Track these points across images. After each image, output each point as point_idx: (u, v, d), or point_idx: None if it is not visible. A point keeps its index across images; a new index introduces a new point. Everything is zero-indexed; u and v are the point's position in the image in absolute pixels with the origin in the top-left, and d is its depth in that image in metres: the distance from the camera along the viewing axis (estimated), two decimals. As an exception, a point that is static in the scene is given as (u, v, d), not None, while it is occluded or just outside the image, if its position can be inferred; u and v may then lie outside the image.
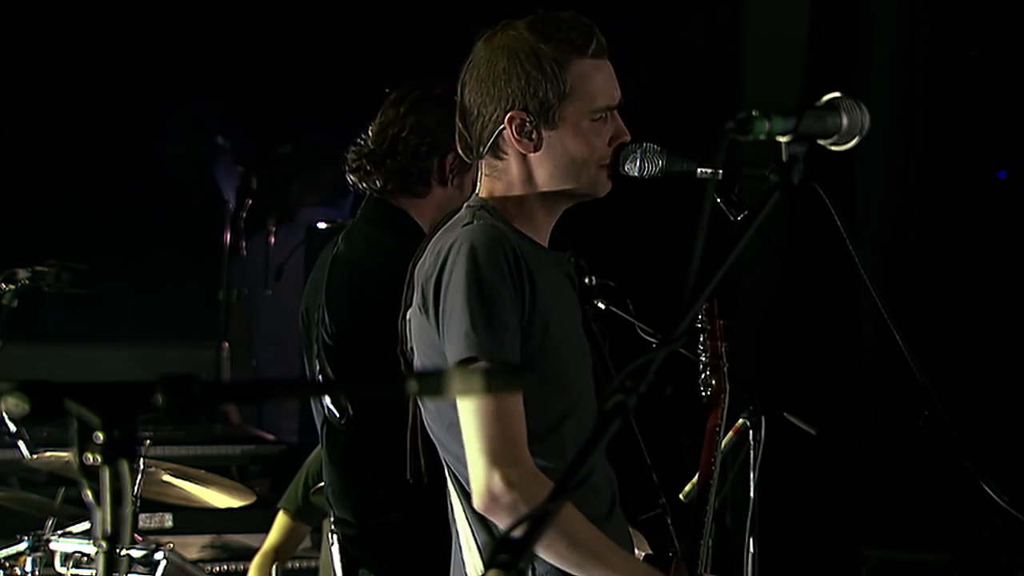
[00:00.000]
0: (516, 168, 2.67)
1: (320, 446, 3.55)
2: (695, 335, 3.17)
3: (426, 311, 2.59)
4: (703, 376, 3.17)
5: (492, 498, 2.47)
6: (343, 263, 3.42)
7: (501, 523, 2.54)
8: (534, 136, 2.65)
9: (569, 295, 2.74)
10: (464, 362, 2.48)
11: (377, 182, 3.43)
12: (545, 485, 2.49)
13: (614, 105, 2.69)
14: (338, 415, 3.37)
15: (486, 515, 2.52)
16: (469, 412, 2.50)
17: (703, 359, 3.17)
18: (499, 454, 2.47)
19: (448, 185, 3.41)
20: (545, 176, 2.67)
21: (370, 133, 3.47)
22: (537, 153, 2.66)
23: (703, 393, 3.17)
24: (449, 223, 2.69)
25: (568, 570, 2.56)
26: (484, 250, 2.53)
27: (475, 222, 2.61)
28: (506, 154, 2.68)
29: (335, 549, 3.42)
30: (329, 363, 3.40)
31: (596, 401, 2.71)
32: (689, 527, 2.93)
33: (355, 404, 3.34)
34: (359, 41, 7.34)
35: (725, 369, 3.17)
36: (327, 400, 3.39)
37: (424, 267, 2.62)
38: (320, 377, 3.44)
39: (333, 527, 3.44)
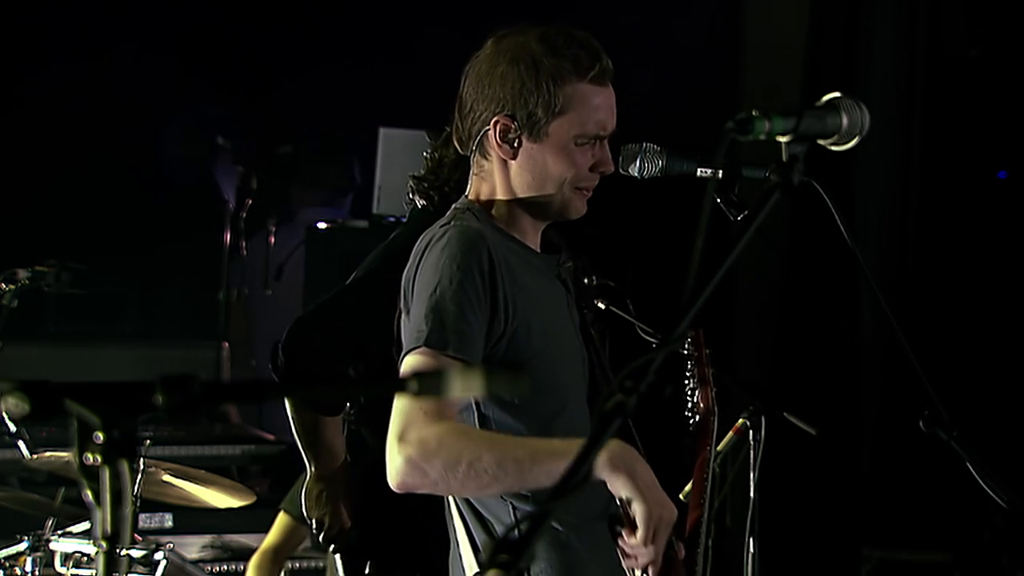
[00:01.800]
0: (498, 171, 2.69)
1: None
2: (682, 363, 3.17)
3: (406, 311, 2.60)
4: (690, 404, 3.17)
5: (395, 472, 2.42)
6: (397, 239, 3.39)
7: (418, 489, 2.46)
8: (516, 144, 2.65)
9: (558, 297, 2.73)
10: (411, 351, 2.48)
11: (435, 199, 3.40)
12: (444, 433, 2.41)
13: (605, 134, 2.67)
14: (348, 406, 3.37)
15: (402, 491, 2.46)
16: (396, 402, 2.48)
17: (690, 387, 3.16)
18: (403, 427, 2.42)
19: None
20: (522, 186, 2.68)
21: (435, 157, 3.43)
22: (515, 161, 2.66)
23: (690, 421, 3.16)
24: (433, 225, 2.70)
25: (506, 487, 2.49)
26: (455, 248, 2.54)
27: (452, 223, 2.62)
28: (489, 155, 2.69)
29: (338, 556, 3.41)
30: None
31: (590, 402, 2.71)
32: (686, 543, 2.93)
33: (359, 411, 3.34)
34: (359, 41, 7.35)
35: (713, 395, 3.17)
36: None
37: (407, 269, 2.64)
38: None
39: None
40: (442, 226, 2.62)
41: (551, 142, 2.64)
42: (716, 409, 3.16)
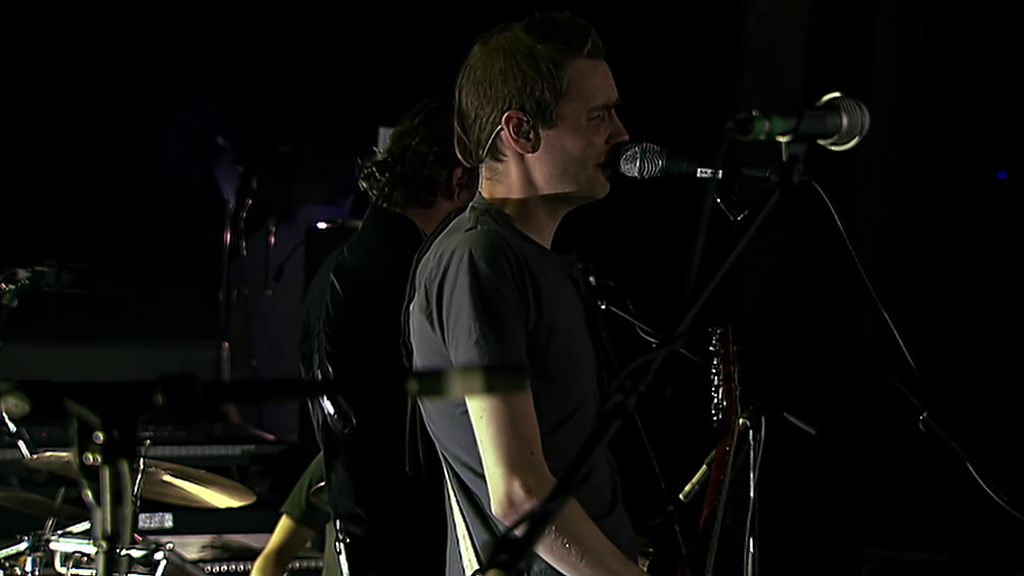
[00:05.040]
0: (515, 170, 2.67)
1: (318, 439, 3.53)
2: (709, 360, 3.18)
3: (428, 315, 2.59)
4: (715, 401, 3.18)
5: (513, 505, 2.49)
6: (348, 272, 3.42)
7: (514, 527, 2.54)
8: (531, 136, 2.64)
9: (572, 297, 2.74)
10: None
11: (385, 189, 3.44)
12: (568, 506, 2.51)
13: (611, 104, 2.69)
14: (343, 426, 3.35)
15: (505, 521, 2.53)
16: (482, 419, 2.51)
17: (715, 383, 3.17)
18: (516, 461, 2.48)
19: (454, 199, 3.40)
20: (544, 178, 2.67)
21: (387, 142, 3.49)
22: (535, 153, 2.65)
23: (714, 418, 3.18)
24: (452, 225, 2.69)
25: (569, 573, 2.57)
26: (485, 257, 2.53)
27: (477, 227, 2.61)
28: (505, 156, 2.67)
29: (343, 558, 3.40)
30: (332, 371, 3.40)
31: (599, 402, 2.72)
32: (697, 540, 2.93)
33: (359, 414, 3.33)
34: (359, 41, 7.35)
35: (737, 394, 3.17)
36: (328, 407, 3.37)
37: (427, 269, 2.63)
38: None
39: (340, 534, 3.42)
40: (466, 231, 2.62)
41: (566, 125, 2.64)
42: (739, 408, 3.16)
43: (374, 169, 3.46)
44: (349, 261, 3.45)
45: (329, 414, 3.37)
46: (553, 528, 2.50)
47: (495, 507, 2.52)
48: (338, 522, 3.42)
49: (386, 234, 3.45)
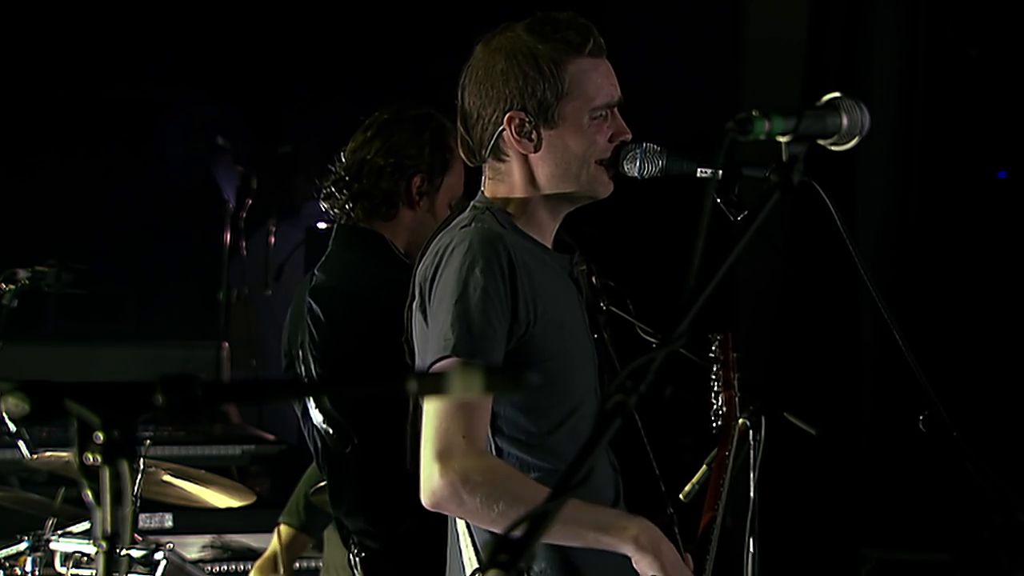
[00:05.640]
0: (518, 170, 2.68)
1: (317, 464, 3.51)
2: (709, 366, 3.19)
3: (422, 310, 2.60)
4: (715, 407, 3.18)
5: (431, 492, 2.46)
6: (326, 292, 3.39)
7: (448, 512, 2.54)
8: (533, 136, 2.65)
9: (572, 296, 2.74)
10: (439, 360, 2.49)
11: (346, 206, 3.42)
12: (490, 470, 2.48)
13: (613, 103, 2.69)
14: (344, 446, 3.34)
15: (432, 509, 2.50)
16: (430, 406, 2.50)
17: (715, 389, 3.18)
18: (444, 448, 2.45)
19: (416, 208, 3.39)
20: (546, 177, 2.67)
21: (343, 159, 3.47)
22: (537, 153, 2.66)
23: (714, 424, 3.18)
24: (452, 223, 2.69)
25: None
26: (477, 253, 2.53)
27: (473, 224, 2.61)
28: (507, 156, 2.68)
29: (358, 573, 3.39)
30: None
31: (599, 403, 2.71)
32: (696, 543, 2.94)
33: (360, 431, 3.31)
34: (359, 41, 7.34)
35: (737, 399, 3.18)
36: (320, 421, 3.36)
37: (423, 267, 2.63)
38: (311, 408, 3.39)
39: (354, 547, 3.41)
40: (462, 227, 2.62)
41: (568, 125, 2.64)
42: (738, 413, 3.17)
43: (332, 188, 3.44)
44: (325, 282, 3.41)
45: (328, 434, 3.36)
46: (486, 497, 2.46)
47: (422, 496, 2.49)
48: (353, 537, 3.41)
49: (358, 249, 3.43)
